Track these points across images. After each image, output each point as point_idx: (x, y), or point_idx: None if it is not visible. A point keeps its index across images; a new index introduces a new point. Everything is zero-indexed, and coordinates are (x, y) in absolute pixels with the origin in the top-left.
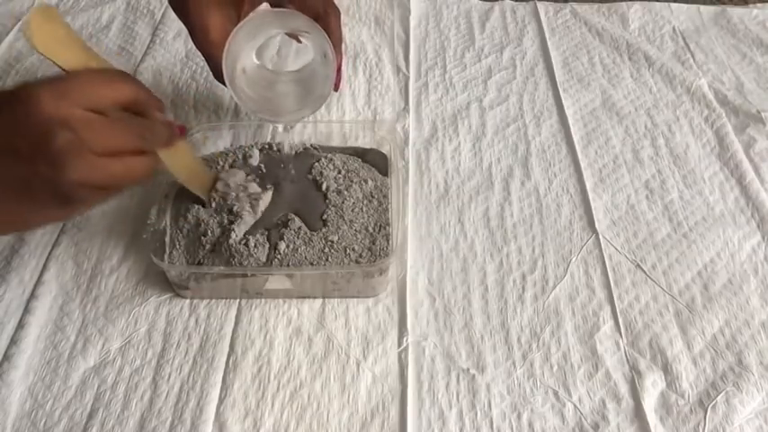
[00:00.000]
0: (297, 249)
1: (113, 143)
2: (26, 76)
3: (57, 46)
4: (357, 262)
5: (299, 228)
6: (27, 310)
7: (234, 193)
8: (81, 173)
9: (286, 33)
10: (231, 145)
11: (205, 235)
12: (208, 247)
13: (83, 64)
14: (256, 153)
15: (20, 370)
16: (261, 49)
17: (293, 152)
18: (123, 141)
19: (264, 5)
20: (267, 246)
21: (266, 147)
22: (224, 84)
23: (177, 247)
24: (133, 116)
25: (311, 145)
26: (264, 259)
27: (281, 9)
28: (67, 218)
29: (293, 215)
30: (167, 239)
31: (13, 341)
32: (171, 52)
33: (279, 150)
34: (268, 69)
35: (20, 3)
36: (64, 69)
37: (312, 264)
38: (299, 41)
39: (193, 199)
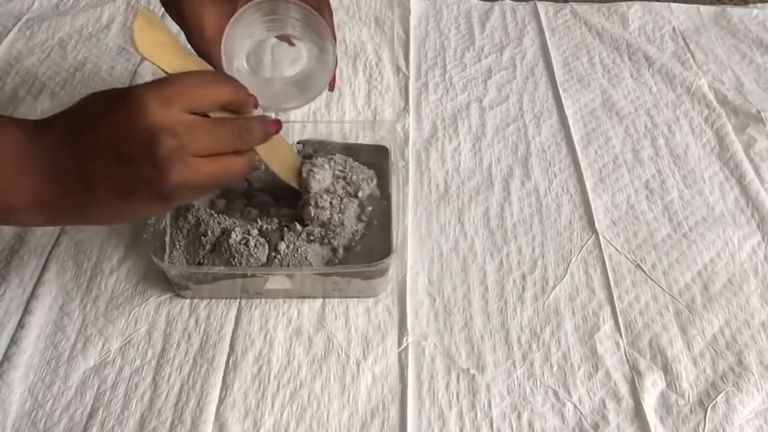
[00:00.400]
0: (297, 249)
1: (213, 146)
2: (26, 76)
3: (159, 50)
4: (357, 262)
5: (299, 228)
6: (27, 310)
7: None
8: (182, 176)
9: (277, 37)
10: None
11: (205, 235)
12: (208, 247)
13: (183, 66)
14: None
15: (20, 370)
16: (256, 53)
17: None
18: (223, 143)
19: None
20: (267, 246)
21: None
22: None
23: (177, 247)
24: (231, 116)
25: (311, 143)
26: (264, 259)
27: (279, 1)
28: (163, 212)
29: (293, 215)
30: (167, 239)
31: (13, 341)
32: None
33: None
34: (261, 78)
35: (20, 3)
36: (166, 72)
37: (312, 264)
38: (292, 44)
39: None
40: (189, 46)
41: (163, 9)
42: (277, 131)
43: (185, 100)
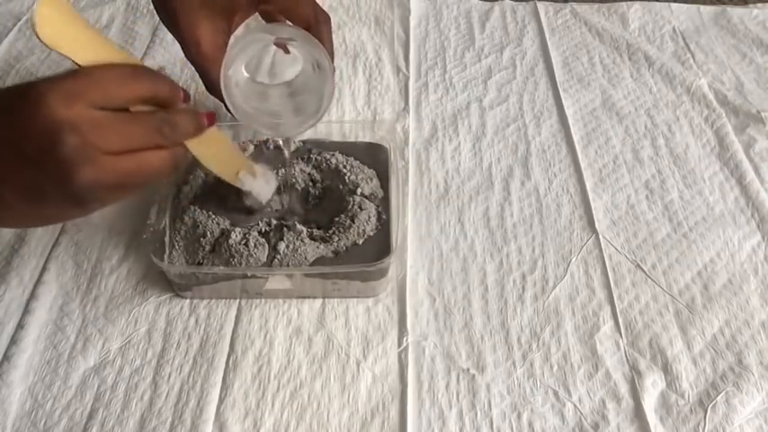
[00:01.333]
0: (297, 249)
1: (125, 142)
2: (26, 76)
3: (67, 39)
4: (357, 262)
5: (299, 228)
6: (27, 310)
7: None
8: (90, 175)
9: (274, 43)
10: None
11: (204, 236)
12: (207, 247)
13: (97, 58)
14: (251, 148)
15: (20, 370)
16: (257, 59)
17: (292, 149)
18: (136, 139)
19: (256, 18)
20: (267, 246)
21: (262, 143)
22: (217, 97)
23: (177, 247)
24: (150, 111)
25: (310, 142)
26: (264, 259)
27: (274, 24)
28: (86, 214)
29: (292, 215)
30: (167, 239)
31: (13, 341)
32: (171, 52)
33: (277, 147)
34: (258, 82)
35: (20, 3)
36: (77, 64)
37: (312, 264)
38: (287, 51)
39: (191, 200)
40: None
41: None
42: (210, 124)
43: (93, 95)
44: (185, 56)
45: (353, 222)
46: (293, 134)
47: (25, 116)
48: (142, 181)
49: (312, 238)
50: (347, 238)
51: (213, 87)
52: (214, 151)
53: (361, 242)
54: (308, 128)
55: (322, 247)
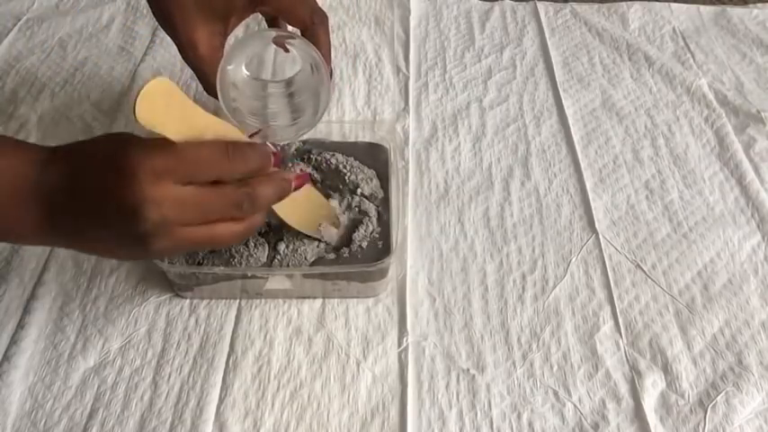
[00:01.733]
0: (297, 250)
1: (202, 217)
2: (26, 76)
3: (166, 118)
4: (357, 263)
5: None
6: (27, 310)
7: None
8: (163, 245)
9: (273, 41)
10: None
11: None
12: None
13: (195, 135)
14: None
15: (20, 370)
16: (258, 60)
17: (293, 149)
18: (213, 215)
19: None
20: (267, 246)
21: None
22: (215, 98)
23: None
24: (235, 185)
25: (310, 142)
26: (264, 259)
27: (272, 29)
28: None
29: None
30: None
31: (14, 341)
32: (171, 52)
33: (281, 148)
34: (257, 80)
35: (20, 3)
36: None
37: (312, 264)
38: (286, 50)
39: None
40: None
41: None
42: (298, 187)
43: (181, 173)
44: (182, 58)
45: (354, 223)
46: (287, 140)
47: (116, 184)
48: (211, 247)
49: (311, 238)
50: (348, 239)
51: (211, 89)
52: (298, 209)
53: (361, 243)
54: (303, 134)
55: (322, 247)
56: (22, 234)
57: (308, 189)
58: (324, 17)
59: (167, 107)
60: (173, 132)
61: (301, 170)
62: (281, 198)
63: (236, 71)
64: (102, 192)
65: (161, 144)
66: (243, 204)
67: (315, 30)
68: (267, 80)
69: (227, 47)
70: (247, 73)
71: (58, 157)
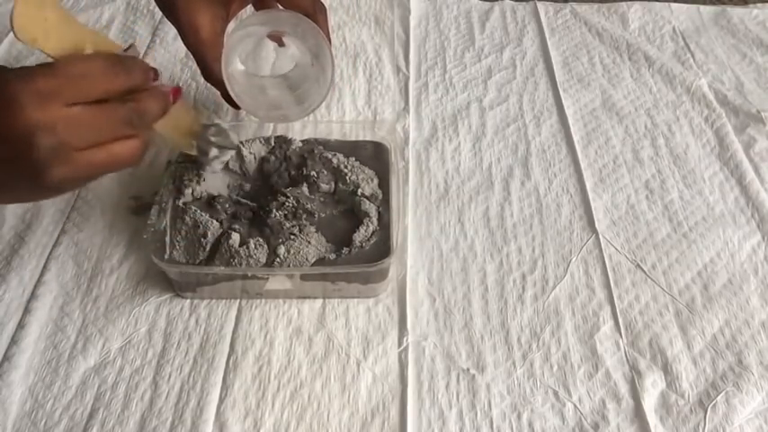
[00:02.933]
0: (298, 252)
1: (96, 137)
2: None
3: (43, 33)
4: (358, 263)
5: (299, 228)
6: (27, 310)
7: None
8: (63, 173)
9: (269, 36)
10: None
11: (205, 236)
12: (208, 248)
13: (74, 49)
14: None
15: (20, 370)
16: (255, 53)
17: (295, 147)
18: (107, 133)
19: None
20: (267, 247)
21: (261, 140)
22: (214, 84)
23: (177, 247)
24: (121, 100)
25: (310, 142)
26: (264, 260)
27: (268, 12)
28: (50, 198)
29: (292, 216)
30: (167, 239)
31: (14, 341)
32: (171, 52)
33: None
34: (254, 75)
35: None
36: (51, 56)
37: (312, 265)
38: (282, 44)
39: (191, 200)
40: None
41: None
42: (176, 100)
43: (67, 93)
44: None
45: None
46: (298, 119)
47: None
48: (112, 170)
49: (311, 239)
50: (349, 240)
51: (211, 74)
52: (173, 124)
53: (361, 243)
54: (312, 111)
55: (321, 249)
56: None
57: (180, 103)
58: (323, 7)
59: (44, 20)
60: (53, 46)
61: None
62: (164, 111)
63: (233, 67)
64: None
65: (40, 66)
66: (133, 119)
67: (315, 17)
68: (264, 76)
69: (226, 37)
70: (242, 67)
71: None
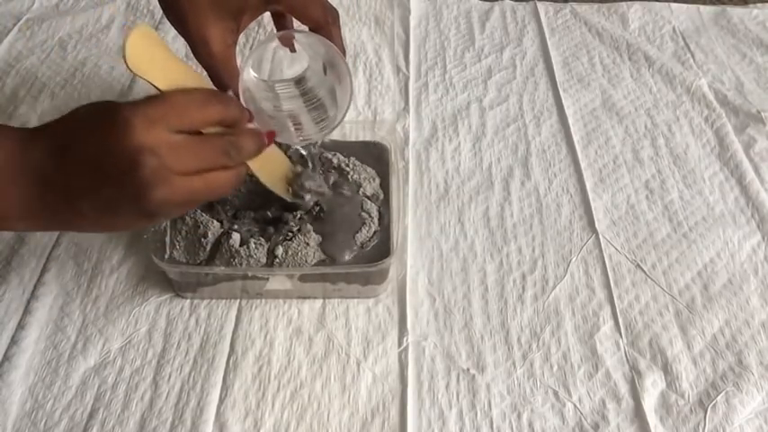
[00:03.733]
0: (297, 253)
1: (198, 164)
2: (26, 76)
3: (151, 66)
4: (357, 263)
5: (299, 229)
6: (27, 310)
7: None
8: (164, 195)
9: (278, 39)
10: None
11: (205, 236)
12: (208, 248)
13: (176, 82)
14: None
15: (20, 370)
16: (258, 61)
17: (316, 150)
18: (207, 161)
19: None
20: (267, 247)
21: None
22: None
23: (177, 247)
24: (220, 134)
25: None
26: (264, 261)
27: (283, 32)
28: (151, 225)
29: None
30: (168, 239)
31: (14, 341)
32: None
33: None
34: (265, 81)
35: (20, 3)
36: (159, 89)
37: (312, 265)
38: (293, 50)
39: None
40: (191, 60)
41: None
42: (269, 144)
43: (172, 120)
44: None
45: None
46: (316, 138)
47: (110, 137)
48: (208, 198)
49: (311, 240)
50: (341, 237)
51: (223, 88)
52: (268, 166)
53: (362, 244)
54: (328, 133)
55: (319, 253)
56: (9, 216)
57: (274, 148)
58: (336, 15)
59: (152, 54)
60: (159, 78)
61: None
62: (260, 150)
63: (246, 77)
64: (96, 150)
65: (149, 96)
66: (230, 151)
67: (328, 28)
68: (275, 80)
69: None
70: (256, 75)
71: (41, 132)
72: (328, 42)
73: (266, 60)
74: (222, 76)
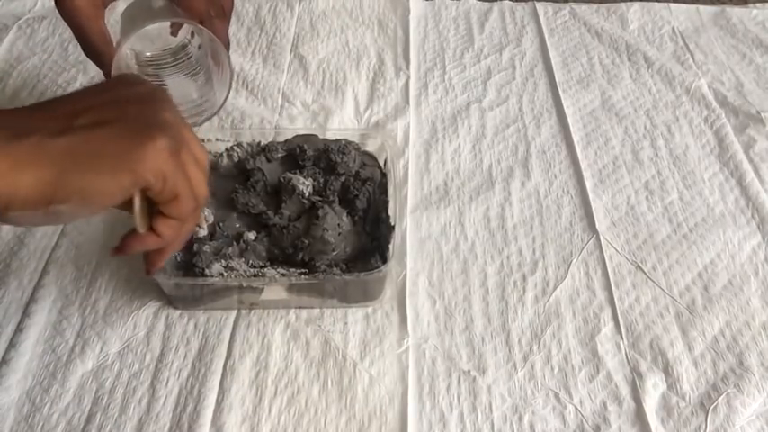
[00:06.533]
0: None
1: (198, 177)
2: (27, 76)
3: None
4: (353, 271)
5: (297, 236)
6: (26, 313)
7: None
8: (165, 146)
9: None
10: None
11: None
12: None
13: None
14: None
15: (18, 373)
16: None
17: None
18: (198, 186)
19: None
20: (264, 255)
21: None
22: (97, 63)
23: (172, 259)
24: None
25: (310, 144)
26: (260, 270)
27: (164, 8)
28: (118, 189)
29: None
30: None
31: (12, 344)
32: None
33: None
34: (145, 55)
35: (21, 3)
36: None
37: (308, 275)
38: (175, 35)
39: None
40: None
41: None
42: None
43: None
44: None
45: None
46: (194, 121)
47: (139, 80)
48: (184, 190)
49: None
50: (338, 244)
51: (96, 55)
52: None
53: (355, 245)
54: (206, 120)
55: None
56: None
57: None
58: (221, 10)
59: None
60: None
61: None
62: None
63: (124, 51)
64: (131, 89)
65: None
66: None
67: (211, 21)
68: (158, 51)
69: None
70: (131, 49)
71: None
72: (211, 35)
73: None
74: (95, 43)
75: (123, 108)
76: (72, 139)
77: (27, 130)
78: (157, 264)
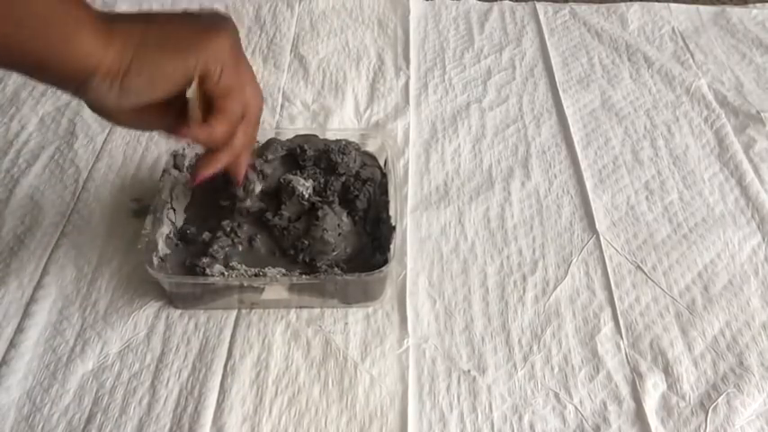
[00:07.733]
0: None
1: (233, 118)
2: (28, 78)
3: None
4: (354, 271)
5: (297, 237)
6: (26, 313)
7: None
8: (208, 57)
9: None
10: None
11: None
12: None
13: None
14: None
15: (18, 374)
16: None
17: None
18: (233, 129)
19: None
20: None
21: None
22: None
23: (175, 258)
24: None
25: (310, 145)
26: (260, 270)
27: None
28: (176, 75)
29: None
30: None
31: (12, 345)
32: None
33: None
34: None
35: None
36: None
37: (308, 275)
38: None
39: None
40: None
41: None
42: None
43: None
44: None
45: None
46: None
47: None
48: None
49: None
50: (337, 244)
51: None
52: None
53: (355, 245)
54: None
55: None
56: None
57: None
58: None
59: None
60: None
61: None
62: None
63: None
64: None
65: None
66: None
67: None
68: None
69: None
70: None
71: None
72: None
73: None
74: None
75: (197, 14)
76: (151, 26)
77: (118, 20)
78: (203, 172)
